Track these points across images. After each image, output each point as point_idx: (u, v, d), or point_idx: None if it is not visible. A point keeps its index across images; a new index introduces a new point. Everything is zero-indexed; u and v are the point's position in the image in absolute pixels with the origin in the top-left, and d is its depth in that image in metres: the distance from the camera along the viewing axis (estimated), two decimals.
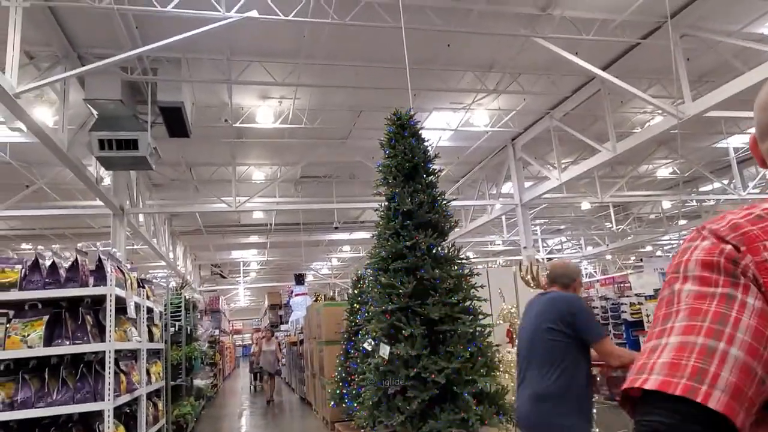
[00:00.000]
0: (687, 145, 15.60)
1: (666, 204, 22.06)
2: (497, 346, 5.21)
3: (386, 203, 5.34)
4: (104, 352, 4.00)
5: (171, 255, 18.43)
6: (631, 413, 0.81)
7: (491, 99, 12.00)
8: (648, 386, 0.71)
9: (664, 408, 0.69)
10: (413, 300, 4.88)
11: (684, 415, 0.67)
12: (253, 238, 21.63)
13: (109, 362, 3.95)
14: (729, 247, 0.76)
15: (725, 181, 16.79)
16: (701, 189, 19.03)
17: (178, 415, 7.01)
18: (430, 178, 5.38)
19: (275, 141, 12.96)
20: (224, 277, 25.61)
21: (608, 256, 29.88)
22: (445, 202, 5.32)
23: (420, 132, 5.52)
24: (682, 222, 23.57)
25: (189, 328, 8.26)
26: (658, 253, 28.73)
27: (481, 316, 5.11)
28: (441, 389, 4.60)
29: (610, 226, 22.62)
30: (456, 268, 5.13)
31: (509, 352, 5.37)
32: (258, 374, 15.67)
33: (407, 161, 5.25)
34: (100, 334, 4.15)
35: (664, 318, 0.76)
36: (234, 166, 14.04)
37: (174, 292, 8.22)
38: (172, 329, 7.20)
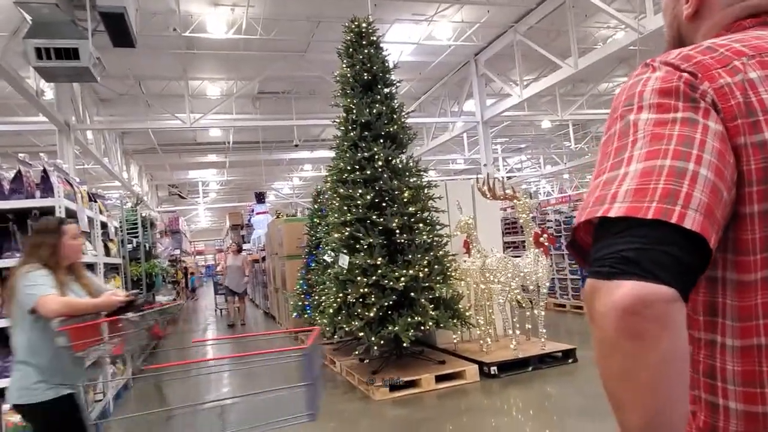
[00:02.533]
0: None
1: None
2: (454, 255, 5.37)
3: (344, 115, 5.23)
4: None
5: (125, 175, 17.86)
6: (581, 259, 0.77)
7: (455, 10, 11.60)
8: (612, 214, 0.66)
9: (631, 235, 0.64)
10: (371, 211, 4.93)
11: (657, 239, 0.63)
12: (211, 157, 21.12)
13: None
14: (685, 74, 0.74)
15: None
16: None
17: None
18: (389, 89, 5.27)
19: (229, 53, 12.32)
20: (183, 198, 25.14)
21: (565, 175, 30.61)
22: (403, 113, 5.25)
23: (379, 41, 5.33)
24: None
25: (147, 246, 8.18)
26: None
27: (438, 227, 5.23)
28: (399, 296, 4.77)
29: (569, 144, 23.01)
30: (414, 179, 5.16)
31: (465, 261, 5.56)
32: (225, 296, 14.90)
33: (365, 71, 5.11)
34: None
35: (618, 150, 0.73)
36: (186, 80, 13.38)
37: (129, 209, 8.04)
38: (130, 246, 7.12)
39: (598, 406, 4.21)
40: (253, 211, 16.61)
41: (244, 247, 17.24)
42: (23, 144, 15.99)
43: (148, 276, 7.89)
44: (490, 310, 5.65)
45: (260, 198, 16.90)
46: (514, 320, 5.45)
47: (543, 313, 5.37)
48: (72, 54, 8.94)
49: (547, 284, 5.32)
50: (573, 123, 21.09)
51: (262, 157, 20.94)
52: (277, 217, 11.23)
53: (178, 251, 18.85)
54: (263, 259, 12.32)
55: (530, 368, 5.10)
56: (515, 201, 5.29)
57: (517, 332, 5.45)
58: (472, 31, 12.54)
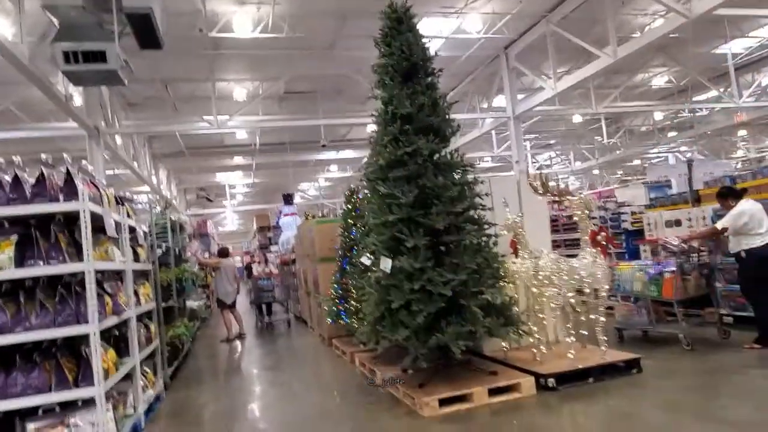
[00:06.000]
0: (685, 50, 15.00)
1: (658, 116, 21.65)
2: (503, 256, 4.98)
3: (383, 107, 4.88)
4: (83, 272, 3.67)
5: (154, 179, 17.87)
6: None
7: (485, 1, 11.18)
8: None
9: None
10: (415, 210, 4.56)
11: None
12: (238, 160, 21.06)
13: (90, 282, 3.63)
14: None
15: (721, 89, 16.33)
16: (694, 99, 18.57)
17: (172, 336, 6.86)
18: (429, 78, 4.91)
19: (255, 53, 12.11)
20: (210, 200, 25.19)
21: (595, 171, 29.76)
22: (446, 104, 4.88)
23: (417, 28, 4.96)
24: (672, 134, 23.32)
25: (177, 250, 7.98)
26: (646, 166, 28.65)
27: (486, 226, 4.84)
28: (447, 302, 4.39)
29: (601, 139, 22.27)
30: (459, 175, 4.78)
31: (513, 263, 5.15)
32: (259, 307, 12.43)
33: (405, 59, 4.76)
34: (78, 254, 3.80)
35: None
36: (213, 81, 13.24)
37: (159, 213, 7.84)
38: (160, 250, 6.90)
39: (679, 422, 3.78)
40: (281, 212, 16.39)
41: (272, 249, 17.08)
42: (54, 149, 16.10)
43: (178, 281, 7.68)
44: (541, 315, 5.24)
45: (288, 199, 16.70)
46: (569, 326, 5.03)
47: (602, 319, 4.93)
48: (99, 57, 8.79)
49: (606, 287, 4.88)
50: (605, 117, 20.42)
51: (289, 158, 20.78)
52: (307, 218, 10.94)
53: (207, 254, 18.81)
54: (293, 261, 12.07)
55: (591, 380, 4.67)
56: (568, 197, 4.88)
57: (572, 339, 5.03)
58: (503, 23, 12.10)
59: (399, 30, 4.82)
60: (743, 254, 5.52)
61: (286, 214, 15.31)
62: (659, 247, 6.41)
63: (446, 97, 4.97)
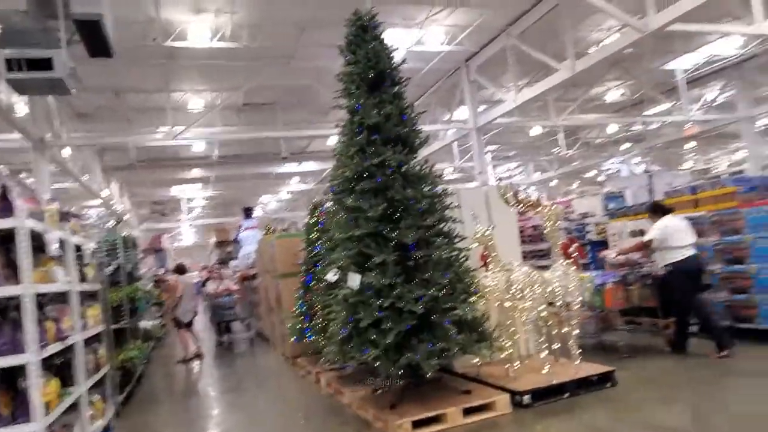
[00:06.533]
0: (638, 66, 15.51)
1: (612, 128, 22.31)
2: (474, 270, 4.84)
3: (349, 116, 4.70)
4: (20, 296, 3.32)
5: (105, 193, 17.11)
6: None
7: (446, 14, 11.22)
8: None
9: None
10: (383, 224, 4.38)
11: None
12: (196, 172, 20.46)
13: (28, 307, 3.29)
14: None
15: (671, 104, 16.92)
16: (647, 112, 19.26)
17: (124, 360, 6.43)
18: (396, 87, 4.76)
19: (213, 63, 11.77)
20: (165, 215, 24.36)
21: (551, 183, 30.40)
22: (414, 114, 4.74)
23: (383, 36, 4.82)
24: (626, 146, 24.06)
25: (129, 267, 7.54)
26: (600, 178, 29.46)
27: (456, 239, 4.70)
28: (418, 319, 4.21)
29: (559, 150, 22.73)
30: (428, 187, 4.64)
31: (485, 277, 5.03)
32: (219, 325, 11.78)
33: (371, 68, 4.59)
34: (15, 275, 3.44)
35: None
36: (168, 92, 12.80)
37: (109, 229, 7.39)
38: (110, 269, 6.47)
39: None
40: (240, 226, 15.93)
41: (231, 264, 16.54)
42: None
43: (130, 301, 7.24)
44: (512, 329, 5.12)
45: (248, 213, 16.25)
46: (541, 340, 4.93)
47: (576, 331, 4.85)
48: (45, 64, 8.30)
49: (579, 299, 4.81)
50: (564, 129, 20.88)
51: (249, 170, 20.32)
52: (269, 232, 10.61)
53: (162, 270, 18.11)
54: (254, 276, 11.67)
55: (566, 395, 4.56)
56: (539, 208, 4.80)
57: (546, 353, 4.92)
58: (465, 36, 12.19)
59: (364, 38, 4.66)
60: (668, 268, 5.76)
61: (246, 228, 14.86)
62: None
63: (413, 107, 4.82)
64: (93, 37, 8.93)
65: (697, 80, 17.10)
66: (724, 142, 25.48)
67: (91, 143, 14.46)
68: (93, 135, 14.05)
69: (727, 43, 14.63)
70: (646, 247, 5.91)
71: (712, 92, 18.02)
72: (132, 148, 15.95)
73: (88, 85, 11.84)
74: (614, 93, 18.41)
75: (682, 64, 15.76)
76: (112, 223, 8.65)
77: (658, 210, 6.14)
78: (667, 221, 5.87)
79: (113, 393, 5.67)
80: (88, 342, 4.89)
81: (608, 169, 27.59)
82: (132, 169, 18.72)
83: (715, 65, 16.22)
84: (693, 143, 24.98)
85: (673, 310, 5.86)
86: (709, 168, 27.77)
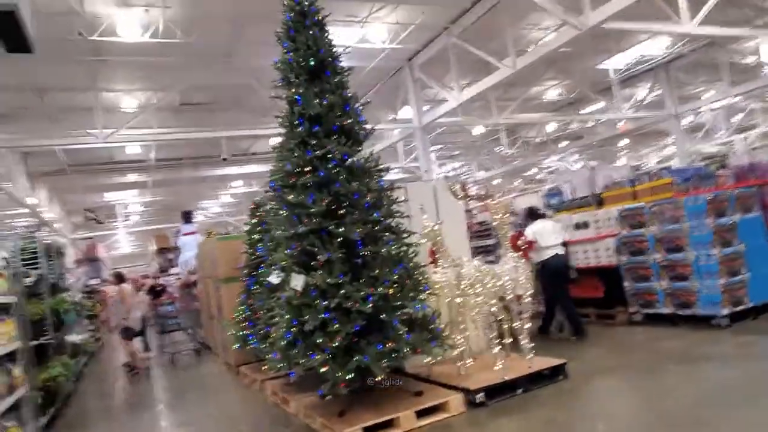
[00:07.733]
0: (573, 66, 15.95)
1: (550, 127, 22.90)
2: (424, 266, 4.68)
3: (288, 107, 4.44)
4: None
5: (31, 200, 15.94)
6: None
7: (389, 11, 11.11)
8: None
9: None
10: (328, 219, 4.15)
11: None
12: (132, 177, 19.46)
13: None
14: None
15: (605, 102, 17.52)
16: (581, 112, 19.90)
17: (45, 380, 5.87)
18: (338, 77, 4.54)
19: (145, 59, 11.14)
20: (100, 222, 23.08)
21: (494, 182, 30.98)
22: (358, 105, 4.53)
23: (325, 22, 4.59)
24: (563, 144, 24.79)
25: (53, 278, 6.94)
26: (540, 176, 30.28)
27: (405, 235, 4.52)
28: (366, 319, 4.00)
29: (501, 149, 23.12)
30: (375, 181, 4.44)
31: (435, 273, 4.87)
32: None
33: (311, 55, 4.35)
34: None
35: None
36: (96, 90, 12.05)
37: (26, 236, 6.77)
38: (29, 280, 5.91)
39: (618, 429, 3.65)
40: (179, 231, 15.25)
41: (172, 271, 15.81)
42: None
43: (54, 314, 6.65)
44: (463, 326, 4.99)
45: (187, 217, 15.58)
46: (493, 336, 4.82)
47: (527, 326, 4.77)
48: None
49: (530, 292, 4.74)
50: (505, 128, 21.24)
51: (188, 174, 19.52)
52: (209, 236, 10.13)
53: (97, 280, 17.12)
54: (195, 283, 11.13)
55: (520, 391, 4.46)
56: (488, 201, 4.70)
57: (497, 349, 4.81)
58: (407, 34, 12.11)
59: (303, 24, 4.42)
60: (540, 265, 6.47)
61: (185, 233, 14.22)
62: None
63: (357, 97, 4.61)
64: (9, 31, 8.24)
65: (628, 80, 17.79)
66: (654, 139, 26.71)
67: (11, 146, 13.42)
68: (13, 137, 13.04)
69: (655, 43, 15.31)
70: (530, 244, 6.46)
71: (642, 91, 18.79)
72: (60, 152, 14.96)
73: (6, 83, 10.99)
74: (552, 92, 18.90)
75: (615, 63, 16.34)
76: (29, 230, 7.95)
77: (531, 215, 6.96)
78: (539, 225, 6.61)
79: (34, 416, 5.15)
80: (0, 361, 4.40)
81: (548, 168, 28.35)
82: (62, 174, 17.59)
83: (644, 65, 16.92)
84: (626, 140, 26.02)
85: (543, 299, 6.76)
86: (640, 164, 29.05)
